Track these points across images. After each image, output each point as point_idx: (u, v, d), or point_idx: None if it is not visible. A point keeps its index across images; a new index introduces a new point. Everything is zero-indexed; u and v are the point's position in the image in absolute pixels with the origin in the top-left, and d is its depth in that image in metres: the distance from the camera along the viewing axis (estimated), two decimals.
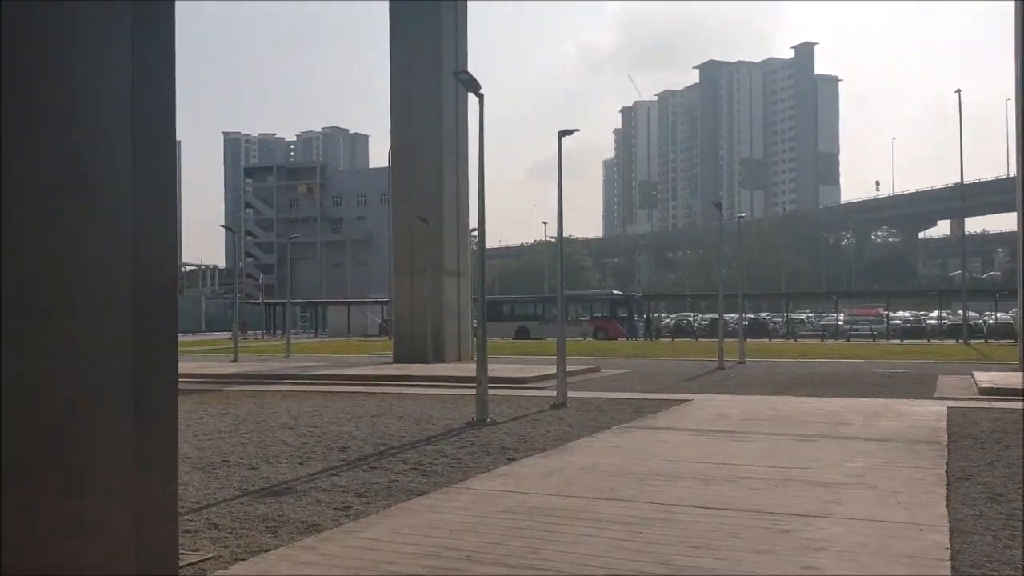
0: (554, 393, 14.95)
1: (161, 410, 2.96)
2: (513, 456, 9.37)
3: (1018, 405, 13.72)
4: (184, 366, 25.43)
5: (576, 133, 16.21)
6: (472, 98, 13.25)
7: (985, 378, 17.37)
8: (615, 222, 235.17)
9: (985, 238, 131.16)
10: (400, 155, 29.06)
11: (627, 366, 25.30)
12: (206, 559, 5.64)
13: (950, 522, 6.27)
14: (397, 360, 27.01)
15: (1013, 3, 23.39)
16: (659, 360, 29.52)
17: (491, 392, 13.10)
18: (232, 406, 15.02)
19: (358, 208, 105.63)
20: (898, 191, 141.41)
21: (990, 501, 6.96)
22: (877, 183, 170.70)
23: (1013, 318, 54.91)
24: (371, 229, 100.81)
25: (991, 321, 51.69)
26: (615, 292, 64.19)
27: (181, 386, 19.96)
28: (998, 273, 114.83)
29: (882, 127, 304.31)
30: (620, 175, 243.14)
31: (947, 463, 8.69)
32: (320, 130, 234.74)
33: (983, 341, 44.77)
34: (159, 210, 2.92)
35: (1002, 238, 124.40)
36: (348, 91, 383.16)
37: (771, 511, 6.63)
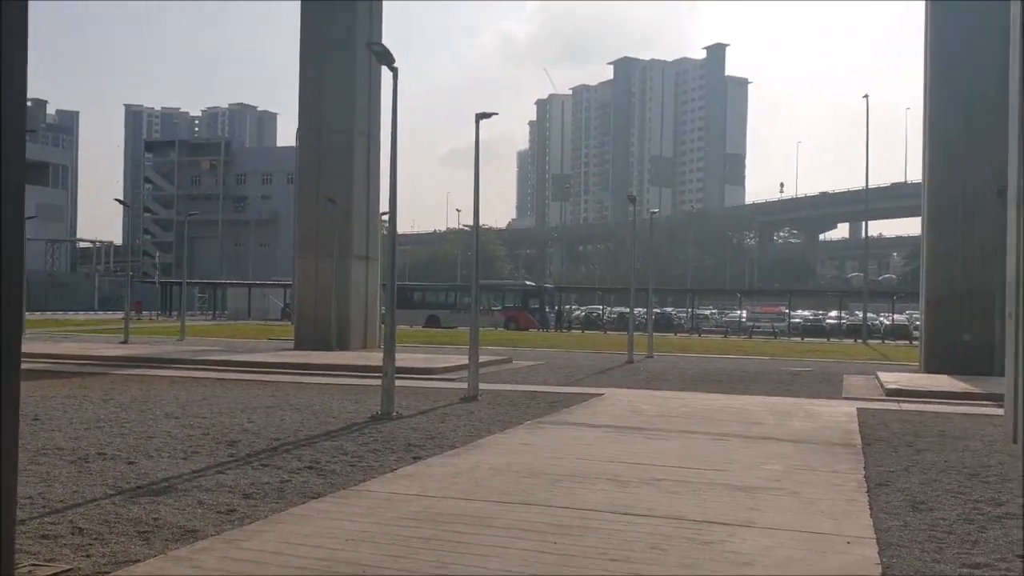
0: (465, 385, 14.41)
1: None
2: (419, 454, 8.78)
3: (924, 407, 13.85)
4: (68, 347, 23.96)
5: (493, 121, 15.75)
6: (386, 77, 12.57)
7: (890, 379, 17.59)
8: (529, 213, 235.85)
9: (881, 242, 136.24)
10: (308, 133, 27.97)
11: (539, 357, 24.95)
12: (59, 572, 4.88)
13: (876, 533, 5.98)
14: (298, 347, 26.01)
15: (923, 14, 23.88)
16: (570, 352, 29.29)
17: (398, 383, 12.46)
18: (116, 392, 13.97)
19: (263, 187, 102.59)
20: (801, 194, 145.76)
21: (912, 510, 6.72)
22: (781, 185, 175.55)
23: (909, 320, 57.03)
24: (277, 209, 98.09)
25: (888, 322, 53.44)
26: (528, 283, 64.04)
27: (62, 368, 18.73)
28: (893, 276, 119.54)
29: (788, 130, 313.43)
30: (535, 167, 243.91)
31: (864, 467, 8.50)
32: (227, 106, 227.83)
33: (880, 341, 46.18)
34: None
35: (899, 242, 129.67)
36: (259, 69, 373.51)
37: (692, 518, 6.24)
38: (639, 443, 9.68)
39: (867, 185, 48.84)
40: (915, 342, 46.63)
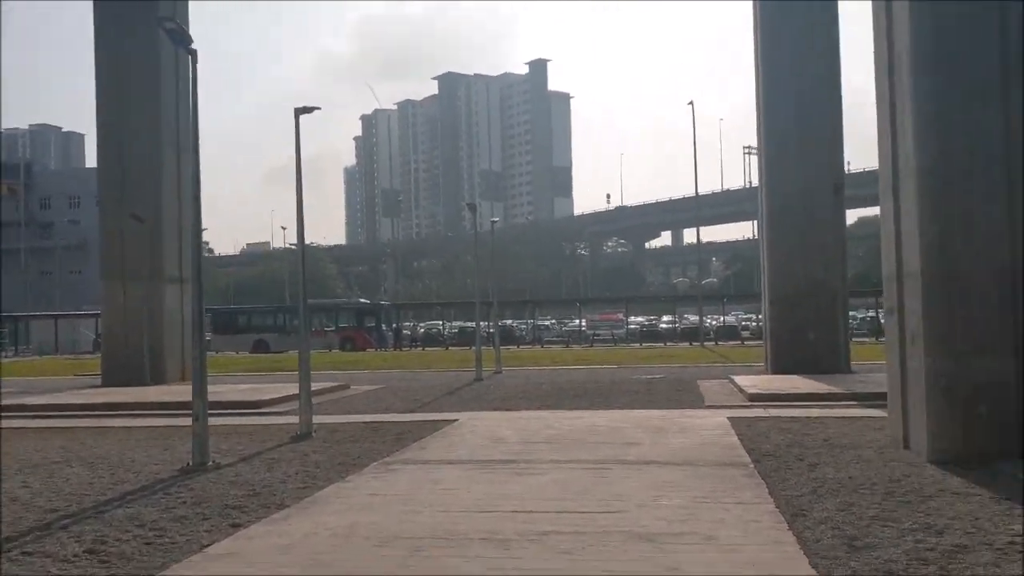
0: (296, 420, 12.48)
1: None
2: (239, 519, 6.94)
3: (791, 412, 13.16)
4: None
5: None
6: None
7: (746, 383, 17.00)
8: (359, 230, 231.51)
9: (702, 248, 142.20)
10: (108, 147, 24.98)
11: (379, 380, 23.11)
12: None
13: None
14: (106, 383, 23.00)
15: (751, 17, 23.92)
16: (413, 372, 27.59)
17: (218, 422, 10.50)
18: None
19: (71, 211, 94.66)
20: (627, 203, 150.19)
21: (850, 550, 5.58)
22: (608, 196, 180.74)
23: (737, 321, 58.86)
24: (86, 235, 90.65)
25: (718, 324, 54.85)
26: (362, 300, 61.64)
27: None
28: (715, 280, 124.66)
29: (611, 142, 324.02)
30: (363, 183, 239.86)
31: (770, 493, 7.39)
32: (27, 127, 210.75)
33: (714, 343, 47.12)
34: None
35: (719, 247, 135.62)
36: (62, 87, 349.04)
37: None
38: (510, 481, 8.21)
39: (697, 192, 50.06)
40: (746, 342, 48.08)
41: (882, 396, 14.40)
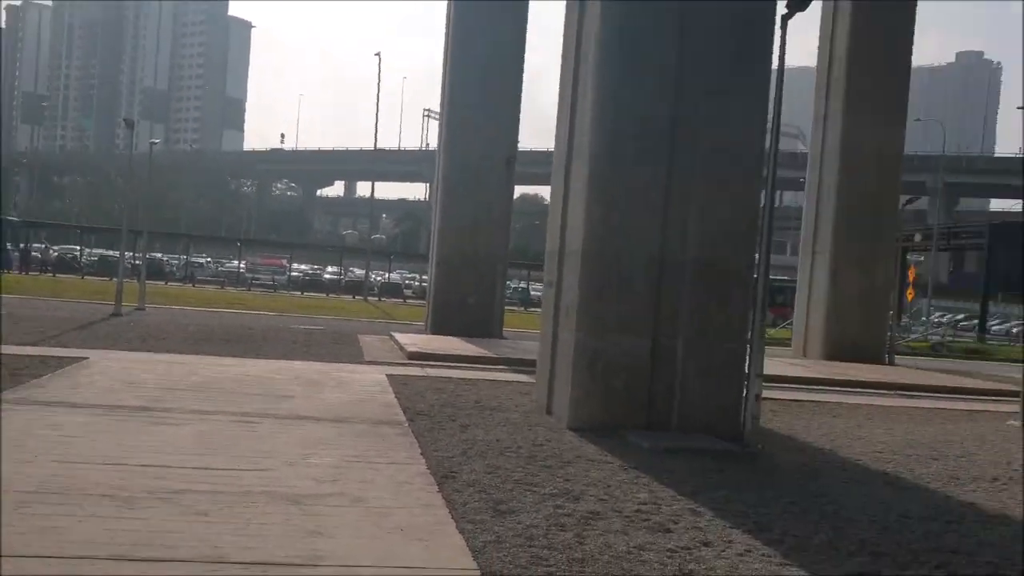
0: None
1: None
2: None
3: (448, 372, 13.43)
4: None
5: None
6: None
7: (406, 341, 17.15)
8: None
9: (374, 203, 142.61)
10: None
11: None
12: None
13: (475, 558, 4.76)
14: None
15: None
16: (40, 300, 24.56)
17: None
18: None
19: None
20: (302, 147, 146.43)
21: (496, 515, 5.66)
22: (282, 136, 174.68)
23: (402, 279, 59.80)
24: None
25: (383, 280, 55.32)
26: None
27: None
28: (383, 236, 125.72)
29: (292, 82, 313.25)
30: (3, 81, 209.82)
31: (422, 453, 7.36)
32: None
33: (378, 299, 47.43)
34: None
35: (389, 204, 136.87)
36: None
37: (236, 559, 4.41)
38: (143, 431, 7.41)
39: (376, 145, 49.65)
40: (409, 301, 48.99)
41: (530, 363, 15.21)
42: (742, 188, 9.57)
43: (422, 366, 14.03)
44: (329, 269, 64.14)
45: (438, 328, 22.18)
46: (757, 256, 9.19)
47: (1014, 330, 67.42)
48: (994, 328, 60.43)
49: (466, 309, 22.41)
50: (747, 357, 8.96)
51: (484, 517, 5.56)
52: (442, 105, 23.80)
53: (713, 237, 9.48)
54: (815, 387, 15.43)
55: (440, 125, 24.27)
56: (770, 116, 9.23)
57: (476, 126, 22.58)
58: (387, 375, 12.53)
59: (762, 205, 9.06)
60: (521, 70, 23.19)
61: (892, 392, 16.01)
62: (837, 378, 16.87)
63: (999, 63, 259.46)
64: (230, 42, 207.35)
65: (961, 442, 10.29)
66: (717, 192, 9.49)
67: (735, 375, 9.54)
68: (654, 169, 9.40)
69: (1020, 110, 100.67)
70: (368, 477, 6.35)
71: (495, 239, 22.88)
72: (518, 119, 23.36)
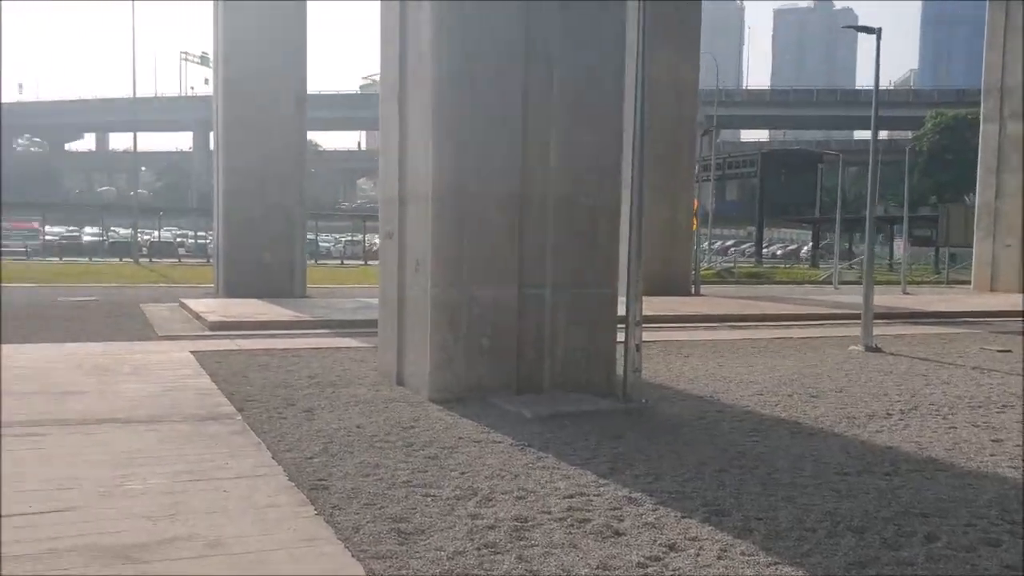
0: None
1: None
2: None
3: (263, 343, 11.74)
4: None
5: None
6: None
7: (202, 308, 15.08)
8: None
9: (129, 156, 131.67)
10: None
11: None
12: None
13: None
14: None
15: None
16: None
17: None
18: None
19: None
20: (45, 98, 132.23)
21: (403, 539, 4.34)
22: (20, 86, 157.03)
23: (173, 237, 55.24)
24: None
25: (152, 239, 50.78)
26: None
27: None
28: (146, 192, 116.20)
29: (27, 27, 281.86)
30: None
31: (273, 457, 5.87)
32: None
33: (148, 260, 43.37)
34: None
35: (149, 157, 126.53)
36: None
37: None
38: None
39: (135, 93, 44.96)
40: (184, 260, 45.20)
41: (354, 324, 13.82)
42: (606, 116, 8.55)
43: (230, 337, 12.18)
44: (88, 230, 58.17)
45: (232, 290, 20.05)
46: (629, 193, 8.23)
47: (778, 252, 72.90)
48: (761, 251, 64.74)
49: (263, 268, 20.43)
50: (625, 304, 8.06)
51: (391, 547, 4.23)
52: (215, 40, 21.19)
53: (577, 171, 8.43)
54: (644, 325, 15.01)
55: (215, 63, 21.65)
56: (634, 38, 8.22)
57: (258, 63, 20.31)
58: (192, 352, 10.66)
59: (633, 135, 8.08)
60: None
61: (721, 324, 15.96)
62: (661, 314, 16.61)
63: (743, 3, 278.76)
64: None
65: (828, 375, 10.03)
66: (578, 121, 8.42)
67: (609, 323, 8.65)
68: (509, 96, 8.17)
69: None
70: (217, 504, 4.81)
71: (289, 188, 20.88)
72: (305, 53, 21.24)
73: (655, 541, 4.42)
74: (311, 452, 6.04)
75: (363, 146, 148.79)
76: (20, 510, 4.59)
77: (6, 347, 10.84)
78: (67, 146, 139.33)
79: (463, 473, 5.61)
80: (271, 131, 20.34)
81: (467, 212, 8.06)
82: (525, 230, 8.25)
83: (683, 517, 4.80)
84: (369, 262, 48.22)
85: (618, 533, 4.52)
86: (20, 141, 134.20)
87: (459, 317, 8.04)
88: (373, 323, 13.86)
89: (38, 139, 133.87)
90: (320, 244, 53.78)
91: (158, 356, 10.31)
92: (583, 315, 8.46)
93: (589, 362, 8.50)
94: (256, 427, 6.77)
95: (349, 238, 59.80)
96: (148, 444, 6.13)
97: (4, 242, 46.72)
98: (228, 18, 20.42)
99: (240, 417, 7.10)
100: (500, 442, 6.49)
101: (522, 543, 4.33)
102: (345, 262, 48.78)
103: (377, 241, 44.22)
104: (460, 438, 6.58)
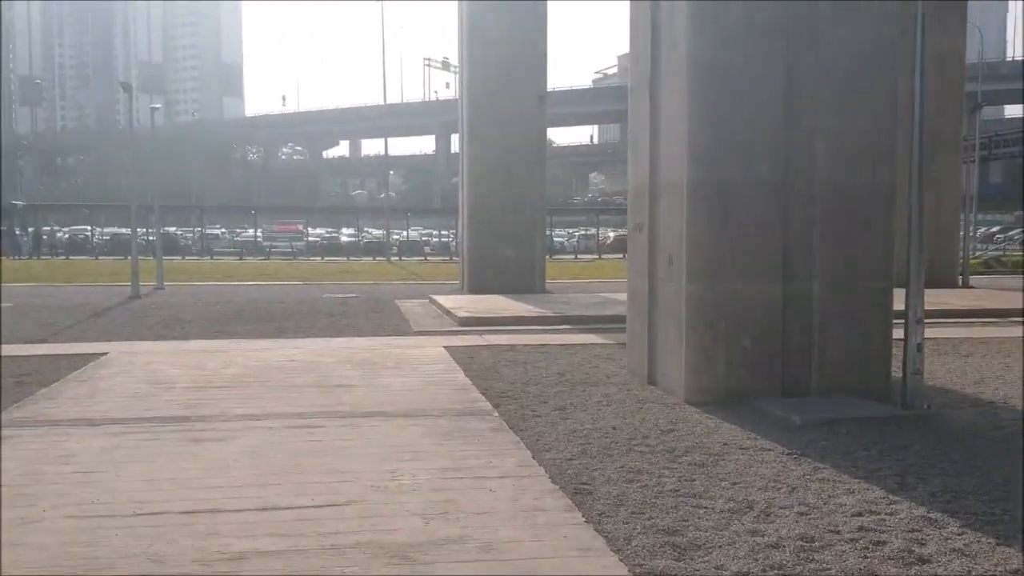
0: None
1: None
2: None
3: (510, 339, 11.83)
4: None
5: None
6: None
7: (451, 304, 15.55)
8: None
9: (378, 160, 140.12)
10: None
11: (6, 297, 18.75)
12: None
13: None
14: None
15: None
16: (52, 287, 23.10)
17: None
18: None
19: None
20: (304, 109, 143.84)
21: (680, 555, 4.06)
22: (283, 98, 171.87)
23: (421, 236, 58.14)
24: None
25: (400, 239, 53.62)
26: None
27: None
28: (394, 194, 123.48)
29: (287, 42, 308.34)
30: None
31: (533, 456, 5.78)
32: None
33: (398, 258, 45.84)
34: None
35: (395, 161, 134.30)
36: None
37: None
38: (180, 455, 5.84)
39: (385, 99, 47.67)
40: (430, 258, 47.40)
41: (597, 321, 13.68)
42: (877, 94, 7.80)
43: (479, 333, 12.42)
44: (344, 231, 62.46)
45: (475, 287, 20.59)
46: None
47: None
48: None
49: (505, 264, 20.80)
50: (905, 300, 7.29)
51: (667, 562, 3.97)
52: (460, 44, 21.86)
53: (846, 155, 7.75)
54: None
55: (460, 66, 22.34)
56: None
57: (501, 63, 20.73)
58: (445, 347, 10.95)
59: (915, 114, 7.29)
60: None
61: (1000, 319, 14.35)
62: (931, 308, 15.12)
63: None
64: (220, 6, 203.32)
65: None
66: (846, 100, 7.73)
67: (884, 320, 7.90)
68: (770, 77, 7.65)
69: None
70: (485, 503, 4.76)
71: (531, 184, 21.14)
72: (545, 49, 21.44)
73: (970, 573, 3.85)
74: (570, 453, 5.90)
75: (595, 140, 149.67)
76: (303, 502, 4.77)
77: (283, 342, 11.67)
78: (324, 153, 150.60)
79: (734, 483, 5.25)
80: (514, 128, 20.68)
81: (725, 202, 7.64)
82: (789, 220, 7.70)
83: (998, 544, 4.18)
84: (603, 256, 48.25)
85: (923, 560, 4.00)
86: (284, 150, 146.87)
87: (718, 315, 7.63)
88: (616, 319, 13.78)
89: (299, 147, 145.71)
90: (554, 239, 54.51)
91: (415, 351, 10.67)
92: (855, 311, 7.78)
93: (862, 363, 7.80)
94: (513, 424, 6.75)
95: (583, 232, 60.12)
96: (413, 438, 6.26)
97: (275, 244, 51.15)
98: (472, 18, 20.98)
99: (496, 414, 7.12)
100: (770, 450, 6.05)
101: (813, 565, 3.92)
102: (579, 256, 49.08)
103: (611, 235, 44.13)
104: (725, 444, 6.20)
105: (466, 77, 21.45)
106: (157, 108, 27.97)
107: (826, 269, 7.73)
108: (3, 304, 16.77)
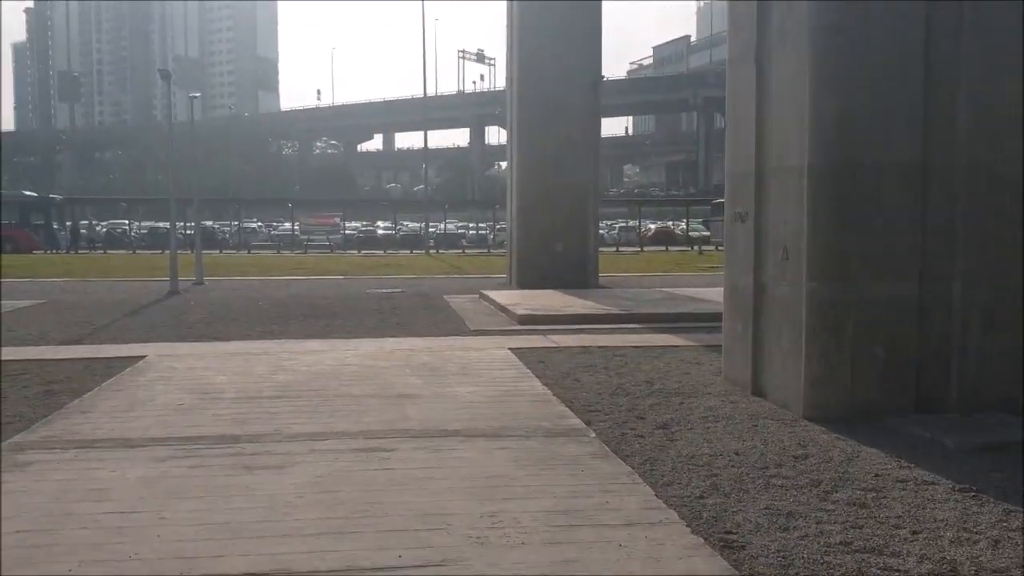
0: None
1: None
2: None
3: (578, 339, 10.83)
4: None
5: None
6: None
7: (505, 300, 14.58)
8: (30, 115, 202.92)
9: (415, 154, 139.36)
10: None
11: (42, 293, 18.10)
12: None
13: None
14: None
15: None
16: (89, 282, 22.48)
17: None
18: None
19: None
20: (339, 102, 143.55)
21: None
22: (318, 92, 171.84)
23: (458, 229, 57.31)
24: None
25: (437, 232, 52.86)
26: (27, 193, 52.40)
27: None
28: (425, 187, 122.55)
29: (321, 36, 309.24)
30: (35, 62, 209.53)
31: (657, 495, 4.78)
32: None
33: (436, 251, 45.05)
34: None
35: (429, 154, 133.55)
36: None
37: None
38: (236, 485, 4.91)
39: (425, 92, 46.74)
40: (467, 251, 46.54)
41: (664, 318, 12.65)
42: None
43: (543, 333, 11.43)
44: (380, 224, 61.82)
45: (525, 281, 19.61)
46: None
47: None
48: None
49: (555, 258, 19.77)
50: None
51: None
52: (509, 29, 20.85)
53: (994, 132, 6.65)
54: None
55: (509, 52, 21.30)
56: None
57: (553, 49, 19.70)
58: (510, 349, 9.97)
59: None
60: None
61: None
62: None
63: None
64: (256, 3, 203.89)
65: None
66: (995, 67, 6.64)
67: None
68: (907, 41, 6.57)
69: None
70: (617, 565, 3.77)
71: (584, 175, 20.10)
72: (599, 34, 20.39)
73: None
74: (698, 488, 4.90)
75: (630, 132, 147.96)
76: (388, 560, 3.81)
77: (334, 343, 10.79)
78: (359, 147, 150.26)
79: (915, 532, 4.22)
80: (566, 116, 19.66)
81: (854, 187, 6.58)
82: (928, 210, 6.62)
83: None
84: (644, 249, 47.07)
85: None
86: (318, 144, 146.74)
87: (845, 319, 6.58)
88: (687, 317, 12.76)
89: (334, 141, 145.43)
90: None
91: (477, 353, 9.71)
92: (1004, 316, 6.68)
93: (1010, 376, 6.70)
94: (615, 448, 5.76)
95: (623, 224, 58.94)
96: (503, 466, 5.29)
97: (312, 237, 50.59)
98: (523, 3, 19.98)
99: (593, 434, 6.12)
100: (933, 483, 5.01)
101: None
102: (620, 249, 47.92)
103: (652, 227, 42.91)
104: (877, 475, 5.17)
105: (516, 64, 20.43)
106: (196, 96, 27.29)
107: (969, 267, 6.64)
108: (32, 302, 16.10)
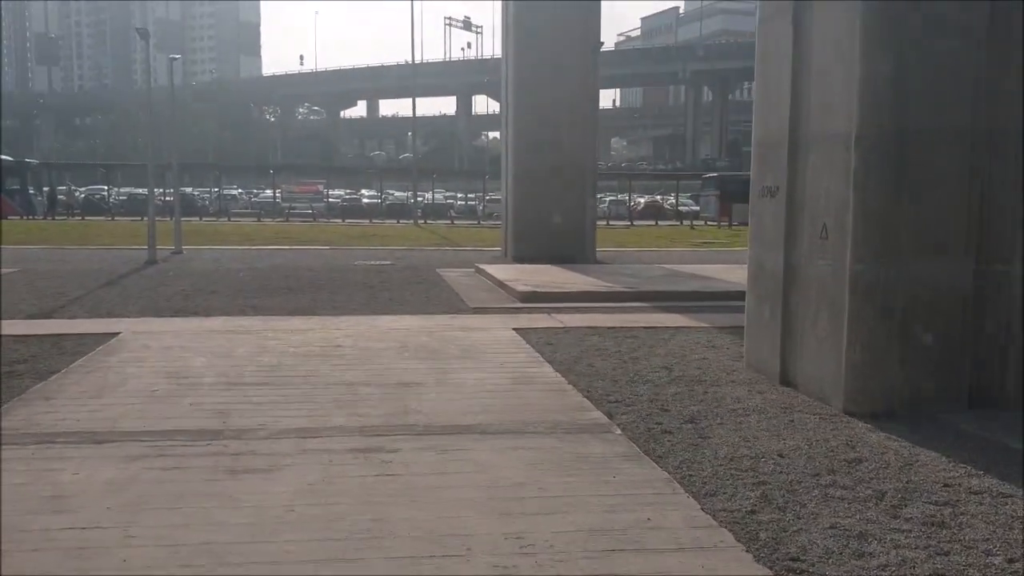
0: None
1: None
2: None
3: (585, 319, 10.19)
4: None
5: None
6: None
7: (503, 275, 13.91)
8: (6, 79, 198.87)
9: (400, 122, 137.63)
10: None
11: (16, 261, 17.25)
12: None
13: None
14: None
15: None
16: (64, 250, 21.60)
17: None
18: None
19: None
20: (322, 68, 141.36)
21: None
22: (301, 57, 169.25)
23: (444, 200, 56.41)
24: None
25: (424, 201, 51.97)
26: (3, 158, 51.01)
27: None
28: (410, 155, 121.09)
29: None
30: (11, 24, 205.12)
31: (703, 509, 4.16)
32: None
33: (423, 221, 44.21)
34: None
35: (419, 121, 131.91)
36: None
37: None
38: (217, 493, 4.25)
39: (413, 58, 45.62)
40: (456, 222, 45.70)
41: (670, 296, 12.03)
42: None
43: (547, 312, 10.77)
44: (365, 193, 60.78)
45: (520, 255, 18.96)
46: None
47: None
48: None
49: (552, 231, 19.12)
50: None
51: None
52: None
53: None
54: None
55: (504, 16, 20.46)
56: None
57: (551, 11, 18.89)
58: (514, 330, 9.32)
59: None
60: None
61: None
62: None
63: None
64: None
65: None
66: None
67: None
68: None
69: None
70: None
71: (582, 145, 19.39)
72: None
73: None
74: (747, 501, 4.28)
75: (617, 104, 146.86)
76: None
77: (323, 320, 10.10)
78: (342, 114, 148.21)
79: (1011, 561, 3.62)
80: (564, 82, 18.91)
81: (908, 156, 5.92)
82: (987, 182, 5.98)
83: None
84: (635, 223, 46.41)
85: None
86: (301, 110, 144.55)
87: (893, 303, 5.96)
88: (693, 296, 12.15)
89: (316, 107, 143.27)
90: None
91: (480, 334, 9.04)
92: None
93: None
94: (645, 447, 5.13)
95: (613, 198, 58.22)
96: (523, 471, 4.65)
97: (294, 205, 49.59)
98: None
99: (619, 431, 5.49)
100: (1011, 496, 4.42)
101: None
102: (611, 223, 47.25)
103: (641, 201, 42.32)
104: (946, 485, 4.57)
105: (511, 28, 19.60)
106: (176, 58, 26.23)
107: None
108: (5, 270, 15.29)
